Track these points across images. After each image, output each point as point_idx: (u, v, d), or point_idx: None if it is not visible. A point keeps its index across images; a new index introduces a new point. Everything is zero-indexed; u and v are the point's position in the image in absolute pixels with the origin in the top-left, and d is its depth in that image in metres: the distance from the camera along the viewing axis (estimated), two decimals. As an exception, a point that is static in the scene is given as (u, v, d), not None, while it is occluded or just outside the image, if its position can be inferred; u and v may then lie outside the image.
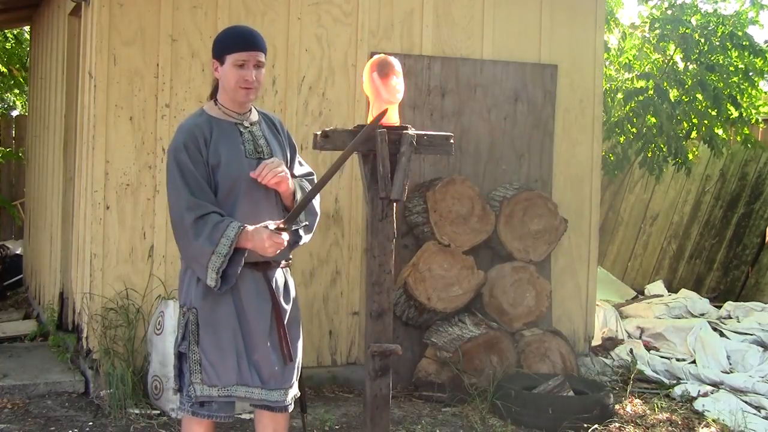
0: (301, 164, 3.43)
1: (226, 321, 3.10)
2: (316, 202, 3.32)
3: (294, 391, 3.26)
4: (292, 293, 3.30)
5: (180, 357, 3.16)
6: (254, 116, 3.27)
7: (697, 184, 9.77)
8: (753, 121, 9.00)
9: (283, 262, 3.27)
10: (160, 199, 5.22)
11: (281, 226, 3.04)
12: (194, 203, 3.02)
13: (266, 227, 3.01)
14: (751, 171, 9.40)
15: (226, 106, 3.20)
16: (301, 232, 3.26)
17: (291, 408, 3.28)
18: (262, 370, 3.14)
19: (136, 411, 4.83)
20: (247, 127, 3.21)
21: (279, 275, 3.23)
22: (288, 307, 3.24)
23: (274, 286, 3.18)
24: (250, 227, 3.02)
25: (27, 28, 10.32)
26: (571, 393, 5.16)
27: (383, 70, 3.41)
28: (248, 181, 3.11)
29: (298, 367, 3.28)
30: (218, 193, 3.11)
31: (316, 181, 3.36)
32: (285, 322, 3.20)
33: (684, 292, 8.31)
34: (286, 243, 3.04)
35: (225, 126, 3.16)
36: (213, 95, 3.26)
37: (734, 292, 8.88)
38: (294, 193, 3.21)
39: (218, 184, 3.10)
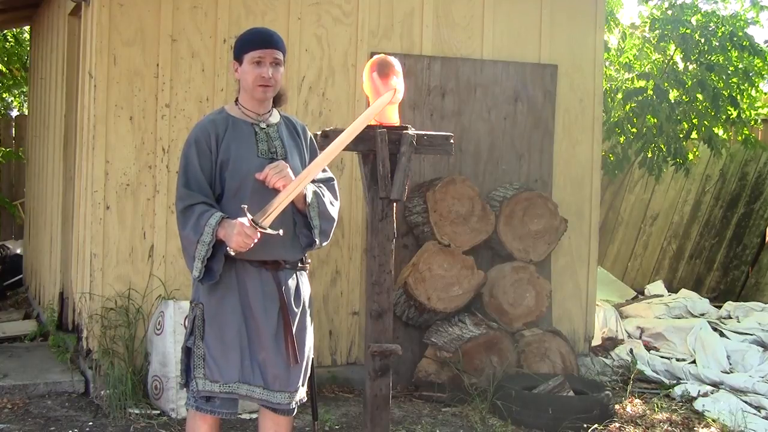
0: (324, 170, 3.43)
1: (231, 318, 3.11)
2: (335, 208, 3.32)
3: (299, 396, 3.25)
4: (304, 297, 3.28)
5: (187, 352, 3.16)
6: (274, 118, 3.30)
7: (697, 184, 9.77)
8: (752, 122, 9.00)
9: (299, 264, 3.27)
10: (160, 199, 5.23)
11: (255, 222, 2.95)
12: (185, 194, 3.08)
13: (248, 219, 2.94)
14: (751, 171, 9.41)
15: (245, 106, 3.24)
16: (315, 237, 3.23)
17: (294, 412, 3.27)
18: (267, 371, 3.14)
19: (136, 411, 4.83)
20: (264, 127, 3.23)
21: (291, 278, 3.22)
22: (298, 311, 3.23)
23: (284, 288, 3.18)
24: (231, 220, 3.00)
25: (27, 28, 10.32)
26: (571, 393, 5.16)
27: (383, 70, 3.41)
28: (257, 180, 3.12)
29: (306, 372, 3.27)
30: (226, 190, 3.13)
31: (336, 188, 3.38)
32: (294, 325, 3.19)
33: (684, 292, 8.31)
34: (254, 241, 2.96)
35: (240, 124, 3.20)
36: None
37: (734, 292, 8.88)
38: (305, 197, 3.20)
39: (225, 181, 3.12)
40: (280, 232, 3.03)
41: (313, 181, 3.31)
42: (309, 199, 3.20)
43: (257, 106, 3.24)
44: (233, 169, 3.12)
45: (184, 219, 3.06)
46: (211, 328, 3.11)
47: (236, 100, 3.28)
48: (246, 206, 2.93)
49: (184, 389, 3.22)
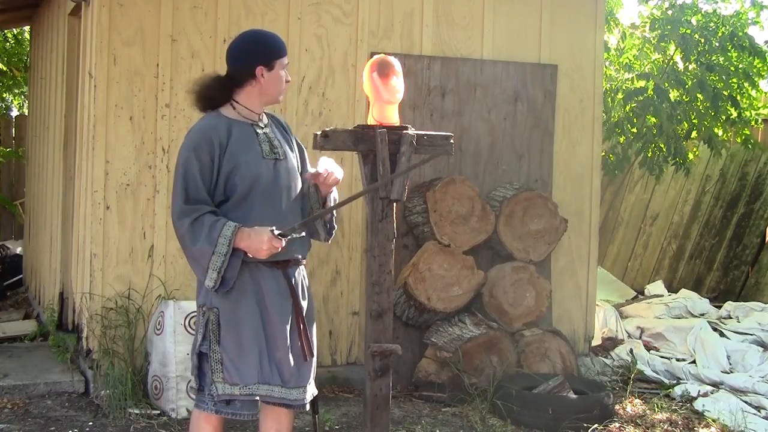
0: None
1: (248, 319, 3.11)
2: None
3: (312, 389, 3.29)
4: (308, 290, 3.34)
5: (200, 356, 3.15)
6: (264, 118, 3.29)
7: (697, 184, 9.77)
8: (753, 123, 9.00)
9: (304, 260, 3.31)
10: (160, 199, 5.23)
11: (284, 232, 3.05)
12: (188, 210, 3.03)
13: (272, 231, 3.02)
14: (751, 171, 9.41)
15: (250, 108, 3.20)
16: (329, 235, 3.36)
17: (307, 407, 3.29)
18: (283, 369, 3.16)
19: (136, 411, 4.83)
20: (262, 128, 3.23)
21: (297, 272, 3.25)
22: (305, 305, 3.28)
23: (294, 283, 3.21)
24: (246, 228, 3.03)
25: (27, 28, 10.33)
26: (571, 393, 5.16)
27: (383, 70, 3.42)
28: (266, 183, 3.13)
29: (314, 365, 3.32)
30: (235, 195, 3.10)
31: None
32: (306, 319, 3.25)
33: (684, 292, 8.31)
34: (281, 249, 3.05)
35: (242, 128, 3.17)
36: (226, 99, 3.20)
37: (734, 292, 8.88)
38: (326, 199, 3.31)
39: (236, 186, 3.09)
40: (303, 233, 3.17)
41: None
42: (330, 203, 3.31)
43: (260, 107, 3.23)
44: (244, 174, 3.09)
45: (194, 232, 3.01)
46: (227, 332, 3.10)
47: (232, 103, 3.20)
48: (274, 228, 3.04)
49: (200, 392, 3.18)
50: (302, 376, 3.21)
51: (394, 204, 3.34)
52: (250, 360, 3.10)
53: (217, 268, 3.01)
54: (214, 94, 3.18)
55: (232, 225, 3.01)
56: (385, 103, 3.39)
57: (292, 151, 3.33)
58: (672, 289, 9.01)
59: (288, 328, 3.17)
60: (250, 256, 3.05)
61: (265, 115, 3.31)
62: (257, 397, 3.13)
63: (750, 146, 8.71)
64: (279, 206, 3.16)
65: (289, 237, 3.06)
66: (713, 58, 8.33)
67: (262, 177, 3.12)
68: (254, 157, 3.13)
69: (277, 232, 3.03)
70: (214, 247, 3.00)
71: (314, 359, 3.30)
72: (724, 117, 8.34)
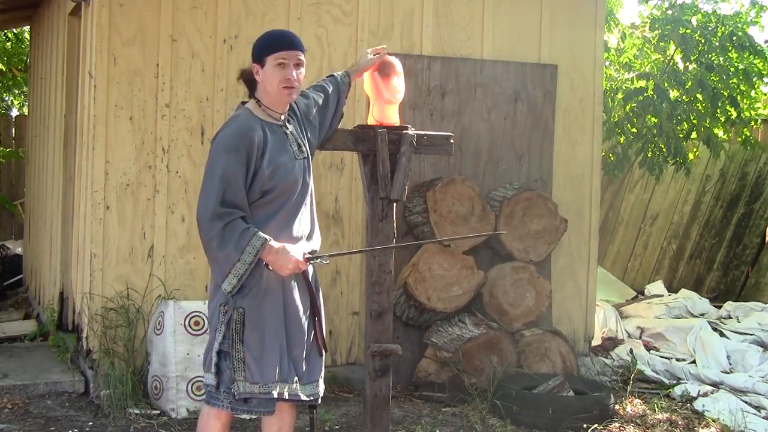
0: (316, 102, 3.44)
1: (271, 319, 3.13)
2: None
3: (323, 384, 3.33)
4: (318, 283, 3.37)
5: (219, 354, 3.14)
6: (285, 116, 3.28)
7: (697, 184, 9.77)
8: (752, 123, 9.01)
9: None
10: (160, 199, 5.22)
11: (314, 257, 3.14)
12: (222, 213, 3.00)
13: (304, 254, 3.08)
14: (751, 171, 9.41)
15: (272, 108, 3.19)
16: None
17: (318, 401, 3.33)
18: (299, 365, 3.20)
19: (136, 411, 4.83)
20: (289, 128, 3.23)
21: (310, 268, 3.28)
22: (318, 299, 3.32)
23: (310, 278, 3.26)
24: (275, 243, 3.03)
25: (27, 28, 10.33)
26: (571, 393, 5.16)
27: (384, 70, 3.42)
28: (300, 183, 3.17)
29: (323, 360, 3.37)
30: (270, 194, 3.10)
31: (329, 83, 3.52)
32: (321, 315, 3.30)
33: (684, 292, 8.31)
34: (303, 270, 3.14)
35: (275, 129, 3.17)
36: (251, 95, 3.24)
37: (734, 292, 8.88)
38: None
39: (276, 186, 3.09)
40: (327, 261, 3.23)
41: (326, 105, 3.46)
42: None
43: (281, 107, 3.21)
44: (283, 176, 3.10)
45: (224, 238, 2.99)
46: (252, 331, 3.11)
47: (257, 102, 3.20)
48: (306, 252, 3.12)
49: (216, 389, 3.18)
50: (316, 371, 3.28)
51: (394, 204, 3.34)
52: (272, 359, 3.12)
53: (239, 275, 3.02)
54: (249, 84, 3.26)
55: (262, 237, 3.01)
56: (385, 103, 3.40)
57: (307, 137, 3.32)
58: (672, 289, 9.02)
59: (306, 324, 3.22)
60: (271, 269, 3.06)
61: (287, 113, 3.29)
62: (275, 396, 3.13)
63: (750, 146, 8.71)
64: (301, 204, 3.19)
65: (310, 261, 3.14)
66: (713, 58, 8.33)
67: (297, 178, 3.15)
68: (289, 159, 3.15)
69: (307, 256, 3.08)
70: (240, 254, 2.99)
71: (324, 354, 3.34)
72: (723, 117, 8.35)
